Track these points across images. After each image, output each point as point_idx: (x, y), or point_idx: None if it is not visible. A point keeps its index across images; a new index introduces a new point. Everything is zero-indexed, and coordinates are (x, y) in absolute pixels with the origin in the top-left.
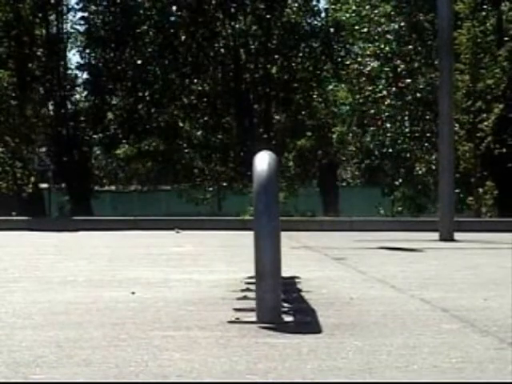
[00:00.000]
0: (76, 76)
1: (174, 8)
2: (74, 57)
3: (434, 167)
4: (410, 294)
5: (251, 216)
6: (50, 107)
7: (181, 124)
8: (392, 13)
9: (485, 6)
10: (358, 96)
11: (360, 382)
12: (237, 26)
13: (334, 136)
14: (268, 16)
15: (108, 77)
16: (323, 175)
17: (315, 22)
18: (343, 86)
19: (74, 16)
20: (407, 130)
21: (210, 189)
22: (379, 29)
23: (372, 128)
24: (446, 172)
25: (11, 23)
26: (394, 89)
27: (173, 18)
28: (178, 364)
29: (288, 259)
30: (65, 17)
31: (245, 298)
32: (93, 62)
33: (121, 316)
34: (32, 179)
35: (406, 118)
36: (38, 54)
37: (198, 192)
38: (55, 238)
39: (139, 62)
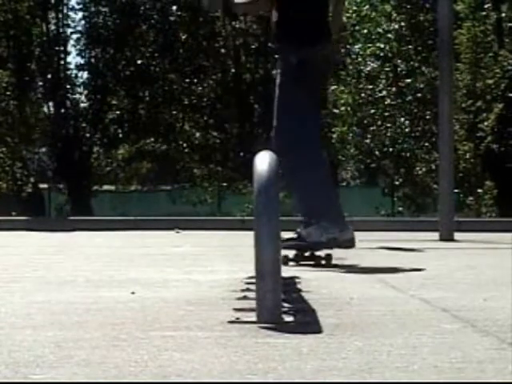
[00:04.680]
0: (76, 76)
1: (174, 8)
2: (73, 57)
3: (434, 167)
4: (410, 293)
5: (251, 216)
6: (51, 107)
7: (181, 124)
8: (392, 13)
9: (485, 6)
10: (357, 96)
11: (360, 382)
12: (237, 25)
13: (334, 136)
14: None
15: (108, 77)
16: None
17: None
18: (343, 85)
19: (75, 16)
20: (407, 129)
21: (210, 189)
22: (379, 29)
23: (372, 128)
24: (445, 172)
25: (9, 23)
26: (393, 89)
27: (173, 18)
28: (178, 364)
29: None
30: (65, 16)
31: (245, 297)
32: (93, 62)
33: (121, 316)
34: (31, 179)
35: (406, 117)
36: (37, 53)
37: (198, 193)
38: (55, 238)
39: (139, 61)
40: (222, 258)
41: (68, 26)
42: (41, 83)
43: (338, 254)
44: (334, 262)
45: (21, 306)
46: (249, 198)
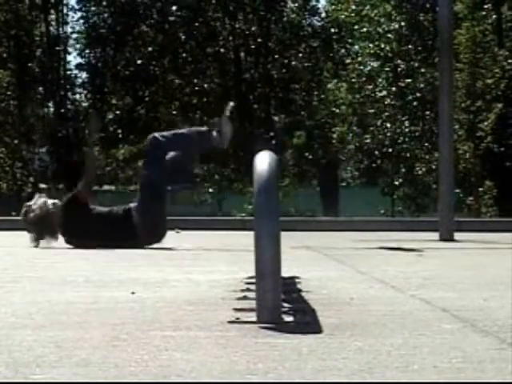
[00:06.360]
0: (76, 76)
1: (174, 8)
2: (73, 57)
3: (434, 167)
4: (410, 293)
5: (251, 216)
6: (51, 107)
7: (180, 124)
8: (392, 12)
9: (485, 6)
10: (358, 96)
11: (360, 382)
12: (237, 25)
13: (335, 136)
14: (268, 16)
15: (108, 77)
16: (323, 175)
17: (315, 22)
18: (344, 85)
19: (74, 16)
20: (407, 129)
21: (210, 190)
22: (379, 28)
23: (372, 128)
24: (445, 172)
25: (10, 23)
26: (393, 89)
27: (173, 18)
28: (178, 364)
29: (288, 259)
30: (65, 16)
31: (245, 297)
32: (93, 62)
33: (121, 316)
34: (31, 179)
35: (406, 117)
36: (38, 53)
37: (198, 193)
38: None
39: (139, 61)
40: (221, 258)
41: (67, 23)
42: (41, 83)
43: (339, 254)
44: (334, 261)
45: (21, 305)
46: (249, 198)
